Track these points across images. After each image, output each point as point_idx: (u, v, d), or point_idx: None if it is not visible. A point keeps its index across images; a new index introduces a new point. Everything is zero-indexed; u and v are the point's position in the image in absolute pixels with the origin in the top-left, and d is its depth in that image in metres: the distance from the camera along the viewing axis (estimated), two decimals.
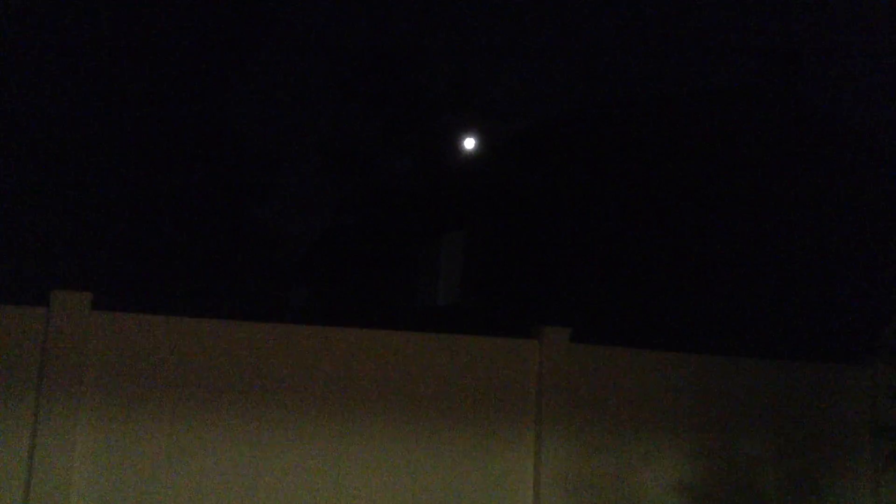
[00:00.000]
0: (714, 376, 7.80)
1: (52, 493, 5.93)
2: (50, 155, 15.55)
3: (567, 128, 14.41)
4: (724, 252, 13.35)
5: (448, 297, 15.89)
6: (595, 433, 7.33)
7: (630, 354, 7.60)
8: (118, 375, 6.23)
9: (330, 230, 23.97)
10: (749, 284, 13.32)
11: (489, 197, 15.10)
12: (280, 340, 6.64)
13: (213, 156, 17.73)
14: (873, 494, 8.03)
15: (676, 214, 13.36)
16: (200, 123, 17.69)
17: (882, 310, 6.57)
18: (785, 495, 7.80)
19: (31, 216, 15.01)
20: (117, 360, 6.24)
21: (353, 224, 23.35)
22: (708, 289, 13.14)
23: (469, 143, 20.81)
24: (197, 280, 17.00)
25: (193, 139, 17.45)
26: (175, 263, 16.58)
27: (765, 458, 7.81)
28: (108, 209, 15.76)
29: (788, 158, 14.00)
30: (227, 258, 18.08)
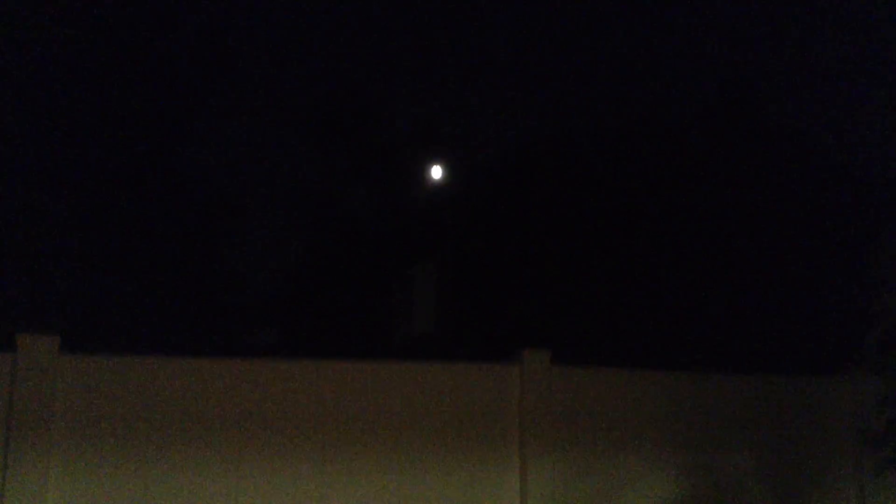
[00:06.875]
0: (696, 393, 7.77)
1: None
2: (12, 195, 15.32)
3: (536, 155, 14.45)
4: (702, 268, 13.37)
5: (424, 327, 15.78)
6: (579, 453, 7.26)
7: (611, 374, 7.56)
8: (88, 417, 6.05)
9: (299, 268, 23.75)
10: (730, 299, 13.34)
11: (458, 226, 15.06)
12: (252, 376, 6.50)
13: (178, 196, 17.54)
14: (862, 501, 8.00)
15: (651, 233, 13.39)
16: (164, 165, 17.52)
17: (860, 321, 6.59)
18: None
19: None
20: (87, 402, 6.05)
21: (323, 260, 23.17)
22: (688, 305, 13.14)
23: (435, 173, 20.80)
24: (164, 323, 16.71)
25: (157, 180, 17.26)
26: (141, 306, 16.30)
27: (749, 472, 7.77)
28: (73, 250, 15.50)
29: (761, 175, 14.11)
30: (194, 300, 17.82)
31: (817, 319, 13.42)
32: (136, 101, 17.21)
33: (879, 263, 6.23)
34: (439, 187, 19.15)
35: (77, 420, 6.03)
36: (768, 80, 14.95)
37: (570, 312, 12.85)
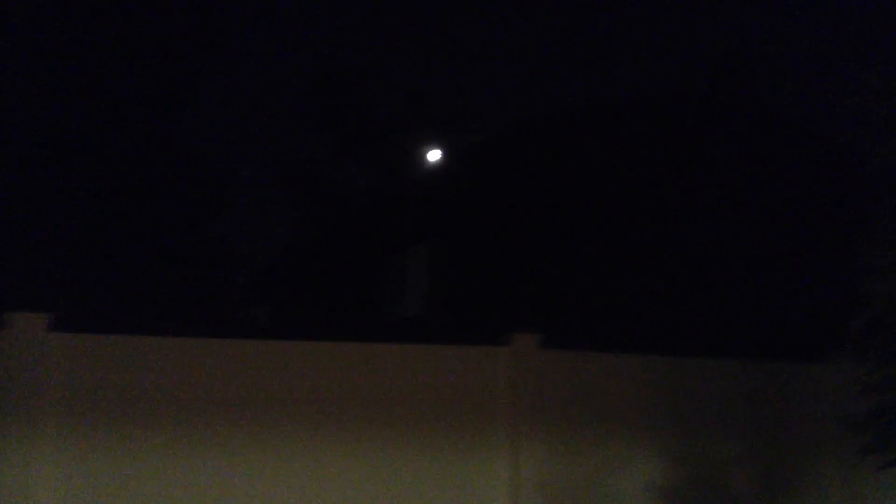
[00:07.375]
0: (684, 378, 7.82)
1: None
2: (2, 174, 15.27)
3: (527, 137, 14.45)
4: (691, 252, 13.43)
5: (415, 309, 15.81)
6: (569, 437, 7.30)
7: (601, 358, 7.60)
8: (77, 396, 6.05)
9: (291, 246, 23.75)
10: (718, 285, 13.41)
11: (451, 208, 15.07)
12: (242, 356, 6.52)
13: (169, 173, 17.49)
14: (844, 487, 8.10)
15: (639, 217, 13.43)
16: (155, 141, 17.45)
17: (845, 307, 6.65)
18: (758, 493, 7.82)
19: None
20: (77, 382, 6.05)
21: (315, 240, 23.16)
22: (677, 290, 13.20)
23: (429, 156, 20.79)
24: (155, 301, 16.70)
25: (148, 157, 17.20)
26: (131, 284, 16.28)
27: (737, 457, 7.84)
28: (62, 228, 15.47)
29: (749, 159, 14.15)
30: (185, 277, 17.80)
31: (803, 305, 13.50)
32: (127, 76, 17.12)
33: (866, 248, 6.24)
34: (432, 171, 19.13)
35: (65, 398, 6.02)
36: (761, 61, 14.93)
37: (560, 296, 12.90)
